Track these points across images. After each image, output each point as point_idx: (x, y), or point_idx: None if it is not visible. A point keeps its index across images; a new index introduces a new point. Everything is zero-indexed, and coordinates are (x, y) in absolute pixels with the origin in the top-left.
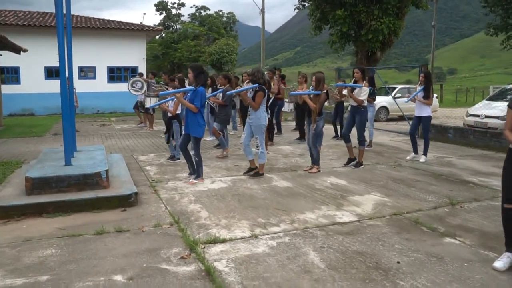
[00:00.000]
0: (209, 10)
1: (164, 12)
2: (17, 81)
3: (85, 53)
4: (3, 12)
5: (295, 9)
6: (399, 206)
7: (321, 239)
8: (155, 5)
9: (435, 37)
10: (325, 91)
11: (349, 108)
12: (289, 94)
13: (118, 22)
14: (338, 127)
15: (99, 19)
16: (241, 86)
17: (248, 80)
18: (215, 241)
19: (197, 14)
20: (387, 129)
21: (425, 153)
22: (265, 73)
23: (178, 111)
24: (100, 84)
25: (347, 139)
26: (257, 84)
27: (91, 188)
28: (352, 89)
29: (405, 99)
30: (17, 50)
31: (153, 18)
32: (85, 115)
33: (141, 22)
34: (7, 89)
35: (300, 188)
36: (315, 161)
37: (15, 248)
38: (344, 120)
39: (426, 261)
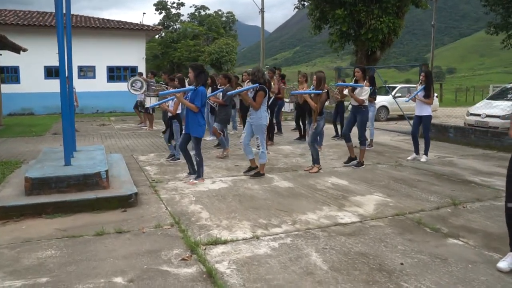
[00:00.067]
0: (209, 9)
1: (163, 11)
2: (16, 80)
3: (84, 52)
4: (3, 12)
5: (294, 9)
6: (401, 207)
7: (323, 240)
8: (154, 4)
9: (435, 36)
10: (326, 90)
11: (349, 107)
12: (290, 93)
13: (118, 21)
14: (339, 126)
15: (98, 19)
16: (241, 86)
17: (248, 80)
18: (216, 242)
19: (196, 13)
20: (388, 129)
21: (426, 153)
22: (265, 72)
23: (178, 111)
24: (100, 83)
25: (347, 139)
26: (258, 84)
27: (90, 189)
28: (353, 88)
29: (406, 99)
30: (17, 49)
31: (153, 18)
32: (84, 114)
33: (140, 22)
34: (7, 88)
35: (301, 188)
36: (315, 160)
37: (14, 249)
38: (344, 119)
39: (430, 262)
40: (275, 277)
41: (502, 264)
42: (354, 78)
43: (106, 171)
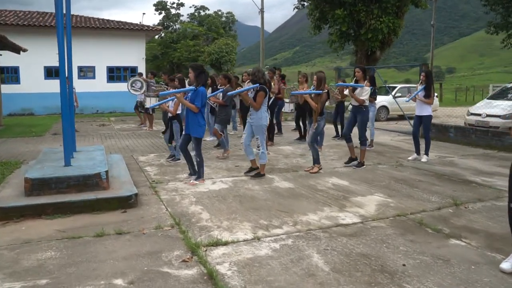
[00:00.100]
0: (208, 10)
1: (163, 12)
2: (16, 80)
3: (84, 53)
4: (3, 12)
5: (294, 9)
6: (403, 207)
7: (325, 241)
8: (154, 5)
9: (434, 36)
10: (326, 90)
11: (349, 107)
12: (290, 93)
13: (118, 22)
14: (339, 126)
15: (98, 19)
16: (241, 86)
17: (248, 80)
18: (217, 243)
19: (196, 14)
20: (388, 129)
21: (426, 153)
22: (266, 73)
23: (179, 111)
24: (100, 84)
25: (348, 139)
26: (258, 84)
27: (90, 189)
28: (353, 88)
29: (406, 99)
30: (17, 50)
31: (153, 18)
32: (84, 115)
33: (140, 22)
34: (7, 88)
35: (302, 189)
36: (315, 160)
37: (14, 251)
38: (345, 119)
39: (432, 263)
40: (276, 278)
41: (505, 265)
42: (355, 78)
43: (106, 171)
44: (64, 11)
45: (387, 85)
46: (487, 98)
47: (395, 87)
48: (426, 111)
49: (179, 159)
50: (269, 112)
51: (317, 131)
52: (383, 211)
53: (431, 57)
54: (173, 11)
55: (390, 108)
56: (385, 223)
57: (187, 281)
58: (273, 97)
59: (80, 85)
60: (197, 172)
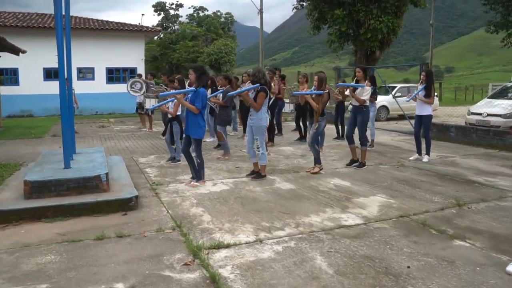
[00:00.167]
0: (207, 10)
1: (162, 13)
2: (16, 82)
3: (83, 54)
4: (2, 14)
5: (293, 9)
6: (406, 208)
7: (328, 243)
8: (153, 6)
9: (433, 36)
10: (327, 91)
11: (349, 108)
12: (291, 94)
13: (117, 23)
14: (340, 127)
15: (97, 20)
16: (241, 87)
17: (249, 81)
18: (219, 246)
19: (195, 14)
20: (388, 129)
21: (427, 153)
22: (266, 73)
23: (179, 113)
24: (99, 85)
25: (350, 140)
26: (258, 85)
27: (90, 192)
28: (354, 88)
29: (406, 98)
30: (16, 51)
31: (151, 19)
32: (83, 116)
33: (139, 23)
34: (6, 90)
35: (303, 190)
36: (316, 160)
37: (13, 255)
38: (345, 120)
39: (437, 265)
40: (279, 282)
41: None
42: (355, 78)
43: (106, 174)
44: (63, 13)
45: (387, 85)
46: (488, 98)
47: (395, 86)
48: (426, 110)
49: (179, 161)
50: (269, 112)
51: (318, 131)
52: (386, 212)
53: (431, 57)
54: (172, 12)
55: (390, 108)
56: (388, 224)
57: (189, 285)
58: (273, 98)
59: (79, 87)
60: (197, 174)
